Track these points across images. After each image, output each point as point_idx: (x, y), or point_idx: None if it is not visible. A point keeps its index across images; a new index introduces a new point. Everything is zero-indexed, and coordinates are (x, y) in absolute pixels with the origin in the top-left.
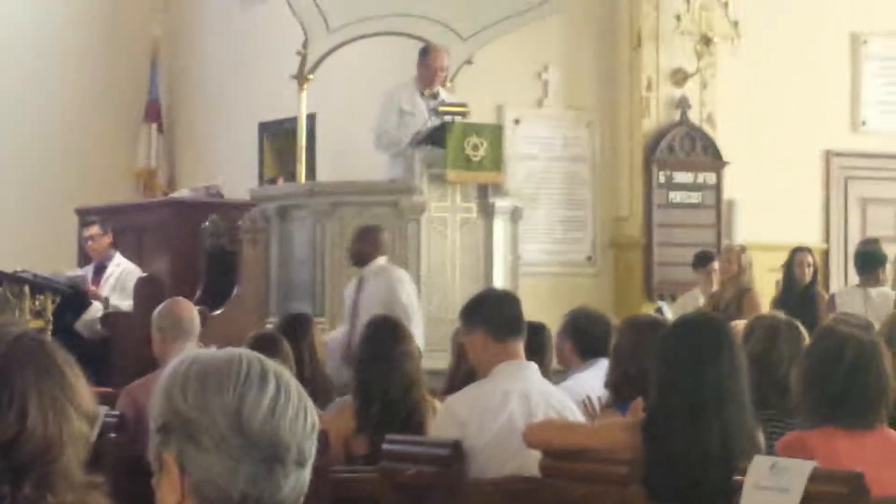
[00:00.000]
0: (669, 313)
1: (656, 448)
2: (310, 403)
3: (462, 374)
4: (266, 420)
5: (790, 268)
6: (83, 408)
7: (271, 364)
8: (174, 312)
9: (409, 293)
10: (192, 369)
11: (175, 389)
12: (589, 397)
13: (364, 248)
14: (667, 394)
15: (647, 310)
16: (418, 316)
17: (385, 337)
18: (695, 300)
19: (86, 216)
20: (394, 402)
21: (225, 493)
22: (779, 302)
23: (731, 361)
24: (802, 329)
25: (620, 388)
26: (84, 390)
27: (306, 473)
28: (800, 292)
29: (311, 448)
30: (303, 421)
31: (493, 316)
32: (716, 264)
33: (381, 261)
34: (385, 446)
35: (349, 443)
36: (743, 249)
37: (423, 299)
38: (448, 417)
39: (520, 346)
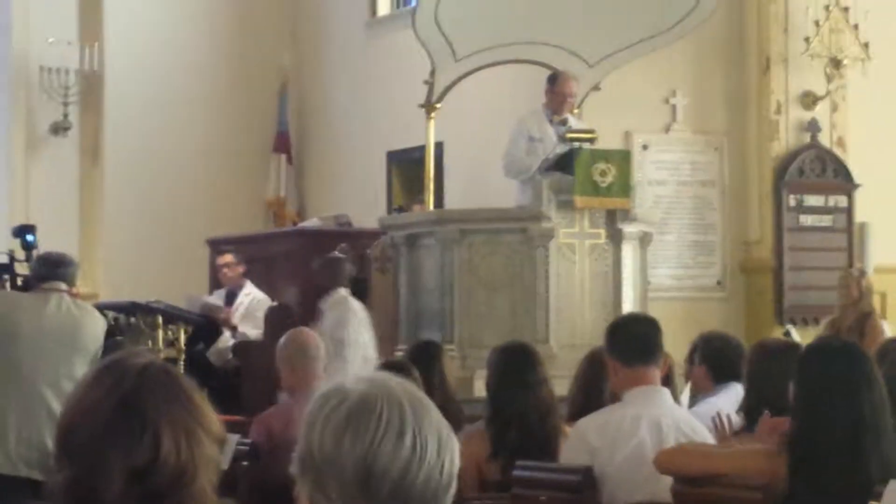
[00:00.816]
0: (798, 338)
1: (809, 480)
2: (448, 459)
3: (589, 400)
4: (397, 482)
5: None
6: (213, 432)
7: (410, 418)
8: (298, 341)
9: (354, 328)
10: (332, 414)
11: (314, 429)
12: (719, 414)
13: (322, 280)
14: (817, 424)
15: (777, 335)
16: (352, 352)
17: (520, 363)
18: None
19: (218, 246)
20: (531, 428)
21: None
22: None
23: (880, 389)
24: None
25: (756, 414)
26: (211, 414)
27: None
28: None
29: (447, 499)
30: (437, 478)
31: (621, 341)
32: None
33: (341, 292)
34: (516, 473)
35: (482, 469)
36: (862, 274)
37: (553, 325)
38: (578, 443)
39: (651, 371)
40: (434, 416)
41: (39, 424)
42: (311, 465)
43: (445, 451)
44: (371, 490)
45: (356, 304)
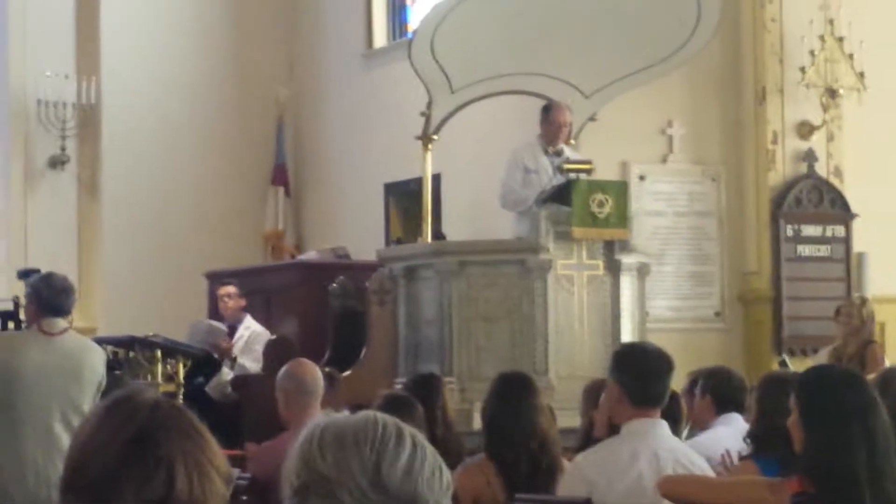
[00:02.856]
0: (792, 367)
1: None
2: (443, 463)
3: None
4: (405, 476)
5: None
6: (222, 469)
7: (405, 425)
8: (296, 374)
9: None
10: (328, 431)
11: (313, 450)
12: (728, 451)
13: None
14: (834, 449)
15: (774, 365)
16: None
17: (515, 392)
18: None
19: (216, 279)
20: (533, 457)
21: None
22: None
23: (884, 414)
24: None
25: (764, 441)
26: (220, 452)
27: None
28: None
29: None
30: (439, 477)
31: (638, 385)
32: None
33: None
34: None
35: (479, 501)
36: (863, 302)
37: (552, 357)
38: (576, 476)
39: (655, 411)
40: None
41: (56, 461)
42: (317, 479)
43: (440, 459)
44: (382, 483)
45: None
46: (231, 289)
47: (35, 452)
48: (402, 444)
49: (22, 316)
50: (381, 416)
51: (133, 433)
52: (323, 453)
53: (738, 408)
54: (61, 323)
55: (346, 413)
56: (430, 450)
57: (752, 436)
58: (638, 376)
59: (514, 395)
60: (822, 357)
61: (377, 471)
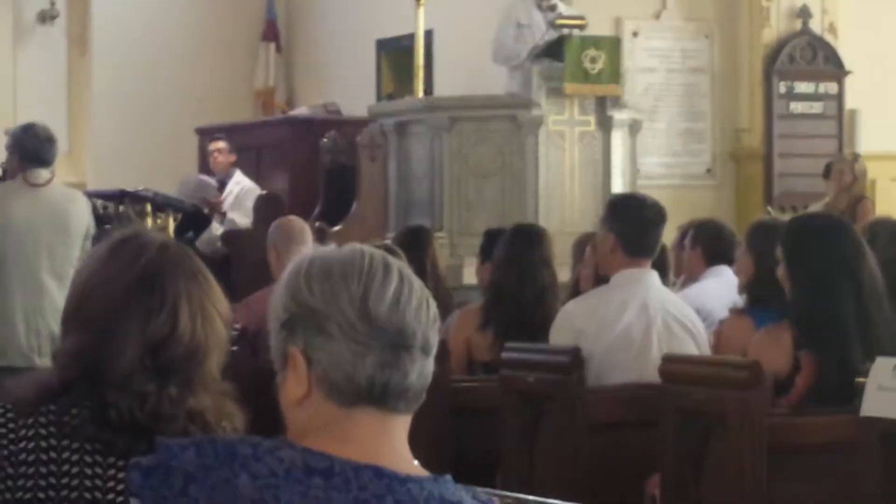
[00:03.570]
0: None
1: (821, 353)
2: (431, 296)
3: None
4: (392, 307)
5: None
6: (223, 313)
7: (392, 258)
8: (283, 226)
9: None
10: (315, 264)
11: (299, 283)
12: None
13: None
14: (823, 298)
15: None
16: None
17: (524, 241)
18: None
19: (207, 135)
20: (526, 306)
21: (353, 379)
22: None
23: (873, 261)
24: None
25: (758, 294)
26: (223, 297)
27: (430, 363)
28: None
29: (435, 338)
30: (426, 310)
31: (633, 233)
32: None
33: None
34: (505, 354)
35: (471, 347)
36: (856, 158)
37: (542, 213)
38: (564, 325)
39: (647, 262)
40: (409, 268)
41: (45, 313)
42: (305, 314)
43: (427, 292)
44: (370, 315)
45: None
46: (221, 144)
47: (25, 304)
48: (389, 276)
49: None
50: (369, 249)
51: (140, 270)
52: (310, 286)
53: (728, 261)
54: (45, 173)
55: (332, 247)
56: (417, 282)
57: (745, 289)
58: (634, 225)
59: (522, 244)
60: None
61: (364, 302)
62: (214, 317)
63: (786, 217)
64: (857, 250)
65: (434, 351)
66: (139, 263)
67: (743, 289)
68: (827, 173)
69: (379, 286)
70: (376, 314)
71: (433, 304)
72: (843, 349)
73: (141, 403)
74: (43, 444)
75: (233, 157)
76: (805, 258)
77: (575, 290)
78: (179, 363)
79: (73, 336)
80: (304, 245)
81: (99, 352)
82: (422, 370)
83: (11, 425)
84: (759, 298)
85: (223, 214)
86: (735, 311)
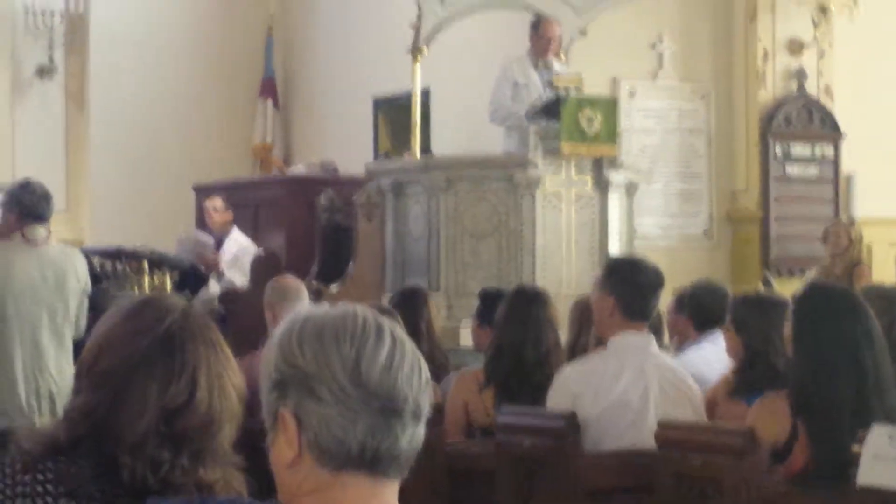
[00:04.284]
0: (776, 287)
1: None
2: (423, 361)
3: (581, 347)
4: (384, 372)
5: None
6: (238, 386)
7: (386, 320)
8: (279, 286)
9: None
10: (307, 325)
11: (291, 344)
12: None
13: None
14: (822, 377)
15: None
16: None
17: (526, 302)
18: None
19: (204, 192)
20: (527, 367)
21: (343, 444)
22: None
23: (881, 340)
24: None
25: (751, 375)
26: (238, 370)
27: (422, 429)
28: None
29: (426, 403)
30: (418, 375)
31: (633, 297)
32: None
33: None
34: (501, 419)
35: (469, 410)
36: (852, 223)
37: (539, 274)
38: (561, 388)
39: (645, 325)
40: (402, 331)
41: (45, 373)
42: (296, 376)
43: (420, 356)
44: (362, 379)
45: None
46: (218, 201)
47: (26, 364)
48: (381, 340)
49: None
50: (362, 310)
51: (163, 332)
52: (302, 348)
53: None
54: (42, 231)
55: (325, 306)
56: (410, 346)
57: (736, 373)
58: (632, 289)
59: (524, 304)
60: (810, 278)
61: (356, 366)
62: (230, 389)
63: (783, 285)
64: (867, 335)
65: (425, 416)
66: (162, 325)
67: (734, 373)
68: (825, 238)
69: (371, 350)
70: (368, 379)
71: (426, 369)
72: (837, 435)
73: (154, 470)
74: (39, 501)
75: (229, 215)
76: (813, 333)
77: (572, 353)
78: (194, 433)
79: (87, 391)
80: (299, 301)
81: (113, 410)
82: (413, 435)
83: (9, 481)
84: (752, 383)
85: (221, 273)
86: (728, 395)
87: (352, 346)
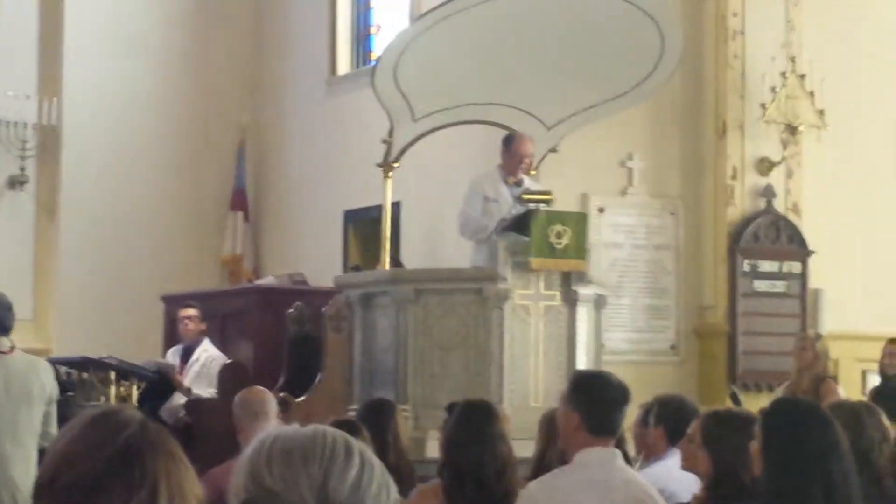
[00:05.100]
0: (742, 401)
1: None
2: (391, 480)
3: (548, 460)
4: (352, 493)
5: (882, 359)
6: (199, 498)
7: (354, 441)
8: (246, 399)
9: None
10: (276, 445)
11: (260, 465)
12: None
13: None
14: (789, 494)
15: (728, 400)
16: None
17: (479, 417)
18: None
19: (173, 302)
20: (488, 484)
21: None
22: (877, 393)
23: (849, 455)
24: (880, 411)
25: (721, 491)
26: (197, 480)
27: None
28: (888, 384)
29: None
30: (386, 496)
31: (598, 413)
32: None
33: None
34: None
35: None
36: (818, 337)
37: (507, 387)
38: None
39: (611, 441)
40: (370, 451)
41: (9, 482)
42: (264, 494)
43: (388, 476)
44: (329, 500)
45: None
46: (192, 311)
47: None
48: (350, 460)
49: None
50: (330, 431)
51: (121, 446)
52: (270, 468)
53: None
54: (6, 341)
55: (295, 426)
56: (378, 466)
57: (706, 490)
58: (598, 405)
59: (478, 421)
60: (782, 393)
61: (324, 487)
62: (191, 499)
63: (750, 400)
64: (834, 448)
65: None
66: (120, 437)
67: (704, 489)
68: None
69: (339, 471)
70: (335, 499)
71: (393, 489)
72: None
73: None
74: None
75: (203, 326)
76: (781, 448)
77: (538, 466)
78: None
79: None
80: (267, 418)
81: None
82: None
83: None
84: (723, 499)
85: (188, 390)
86: None
87: (320, 467)
